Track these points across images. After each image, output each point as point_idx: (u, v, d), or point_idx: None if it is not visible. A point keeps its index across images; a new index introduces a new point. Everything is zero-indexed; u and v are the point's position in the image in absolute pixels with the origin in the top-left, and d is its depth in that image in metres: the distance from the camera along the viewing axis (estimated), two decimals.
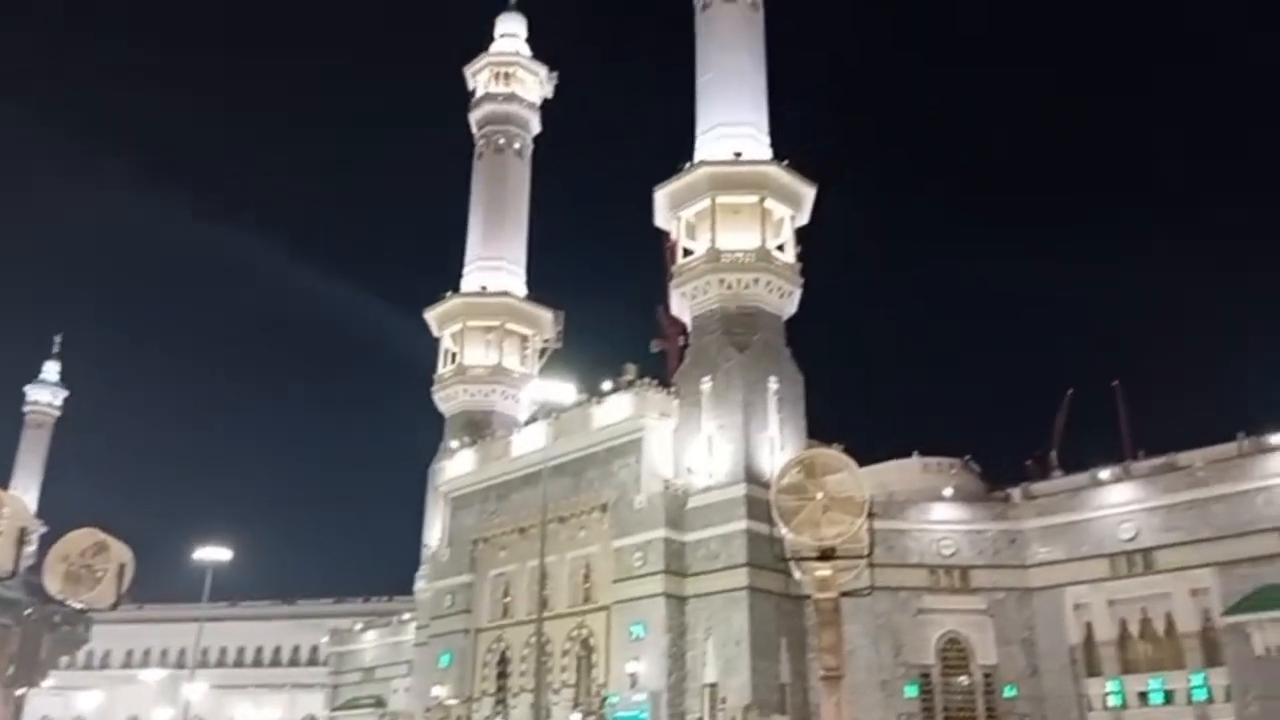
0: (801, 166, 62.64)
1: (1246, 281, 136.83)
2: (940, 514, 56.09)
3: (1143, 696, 49.97)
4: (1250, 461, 49.24)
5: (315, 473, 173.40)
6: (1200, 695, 48.15)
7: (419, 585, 73.48)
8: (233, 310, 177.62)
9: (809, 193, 62.90)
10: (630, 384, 59.52)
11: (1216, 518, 48.82)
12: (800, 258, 62.27)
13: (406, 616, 79.23)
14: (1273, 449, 49.33)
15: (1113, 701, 50.55)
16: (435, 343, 79.50)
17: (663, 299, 66.18)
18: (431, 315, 78.97)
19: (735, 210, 61.02)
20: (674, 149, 65.85)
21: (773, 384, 57.79)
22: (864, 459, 12.49)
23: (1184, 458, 52.59)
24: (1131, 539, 51.22)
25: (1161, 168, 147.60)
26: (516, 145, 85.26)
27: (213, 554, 60.28)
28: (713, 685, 50.71)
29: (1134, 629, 51.15)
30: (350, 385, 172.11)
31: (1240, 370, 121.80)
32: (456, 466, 69.04)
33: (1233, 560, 47.76)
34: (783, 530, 12.12)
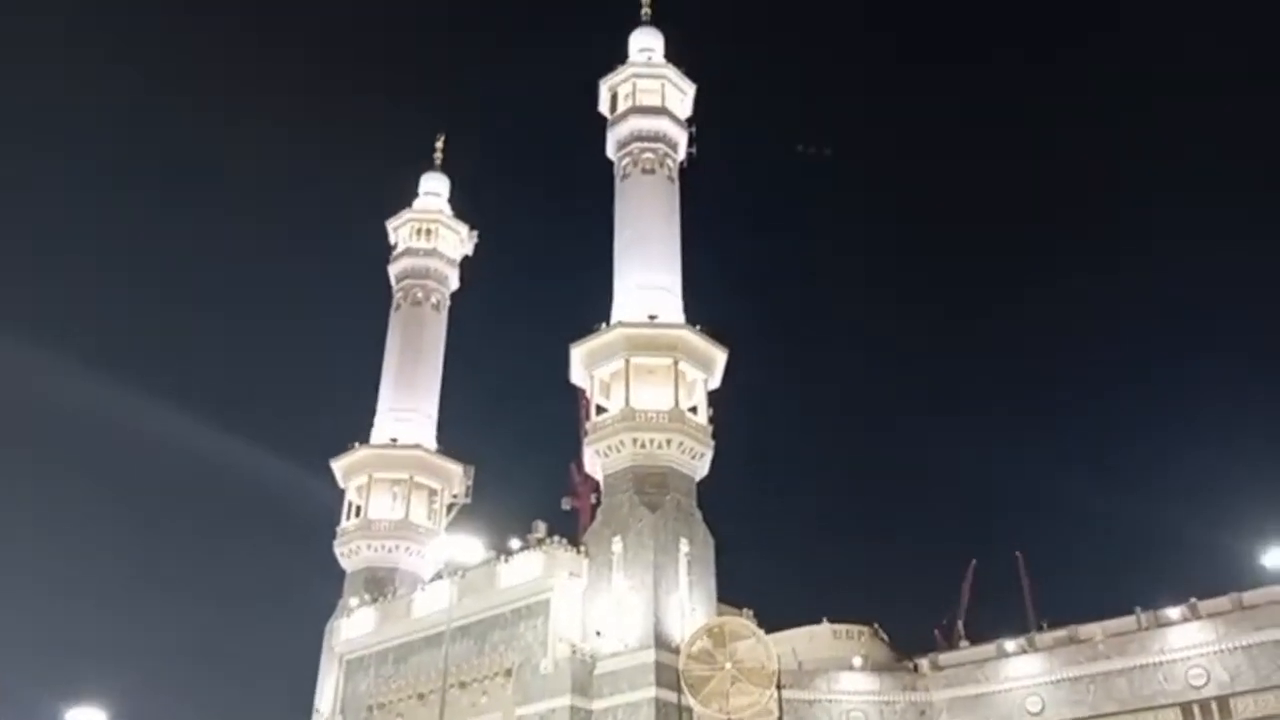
0: (713, 331, 64.45)
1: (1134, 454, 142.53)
2: (850, 684, 55.50)
3: None
4: (1149, 636, 50.24)
5: (200, 629, 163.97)
6: None
7: None
8: (114, 460, 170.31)
9: (721, 357, 64.39)
10: (540, 542, 58.59)
11: (1119, 691, 49.43)
12: (712, 420, 63.16)
13: None
14: (1170, 623, 50.46)
15: None
16: (339, 495, 77.57)
17: (575, 456, 66.23)
18: (338, 466, 77.22)
19: (650, 371, 61.98)
20: (591, 308, 67.33)
21: (684, 546, 57.45)
22: (773, 625, 12.45)
23: (1085, 630, 53.39)
24: (1039, 712, 51.34)
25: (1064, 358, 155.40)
26: (434, 299, 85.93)
27: (86, 717, 56.33)
28: None
29: None
30: (246, 540, 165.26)
31: (1140, 539, 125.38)
32: (355, 626, 66.27)
33: None
34: (691, 701, 11.86)
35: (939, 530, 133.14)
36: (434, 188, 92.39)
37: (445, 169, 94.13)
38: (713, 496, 62.29)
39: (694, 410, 62.92)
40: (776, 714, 11.46)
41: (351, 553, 74.29)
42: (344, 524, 75.99)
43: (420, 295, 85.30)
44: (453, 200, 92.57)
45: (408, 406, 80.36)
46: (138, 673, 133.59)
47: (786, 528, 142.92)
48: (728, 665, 11.44)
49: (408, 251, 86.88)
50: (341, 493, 77.44)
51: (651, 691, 50.87)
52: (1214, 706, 46.80)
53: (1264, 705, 45.41)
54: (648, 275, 67.13)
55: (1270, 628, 46.68)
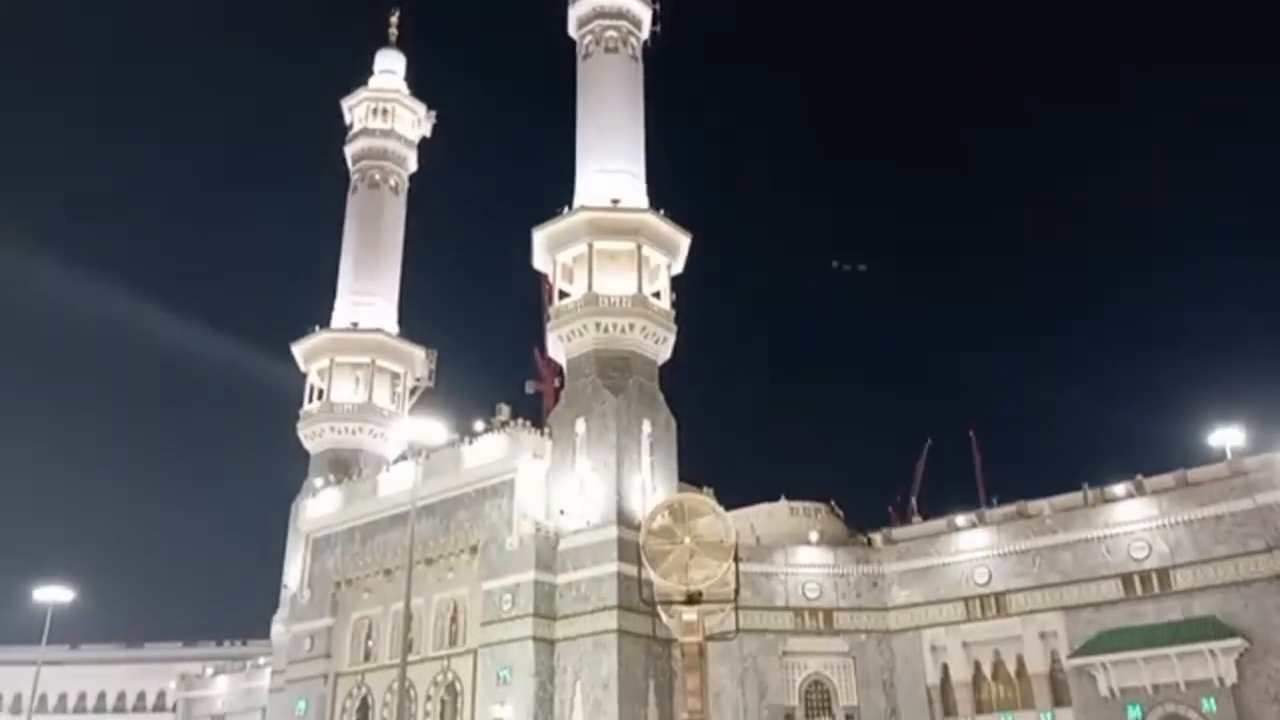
0: (677, 216, 64.04)
1: (1103, 333, 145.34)
2: (806, 557, 57.30)
3: None
4: (1095, 511, 51.98)
5: (169, 510, 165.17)
6: None
7: (276, 629, 70.76)
8: (82, 344, 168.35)
9: (684, 241, 64.18)
10: (503, 424, 59.11)
11: (1063, 563, 51.34)
12: (675, 305, 63.32)
13: (262, 661, 76.19)
14: (1115, 499, 52.22)
15: None
16: (303, 379, 77.43)
17: (538, 341, 66.35)
18: (299, 350, 76.90)
19: (612, 256, 61.70)
20: (553, 191, 66.55)
21: (646, 428, 58.29)
22: (732, 503, 12.79)
23: (1033, 506, 55.10)
24: (985, 583, 53.34)
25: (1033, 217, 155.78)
26: (392, 181, 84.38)
27: (53, 594, 57.03)
28: None
29: (987, 670, 53.12)
30: (212, 421, 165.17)
31: (1089, 416, 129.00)
32: (320, 506, 67.03)
33: (1078, 605, 50.26)
34: (651, 574, 12.25)
35: (896, 411, 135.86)
36: (389, 65, 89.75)
37: (401, 46, 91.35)
38: (674, 380, 63.06)
39: (657, 295, 62.99)
40: (734, 586, 12.03)
41: (315, 435, 74.63)
42: (307, 407, 76.10)
43: (378, 177, 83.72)
44: (410, 79, 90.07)
45: (368, 290, 79.76)
46: (106, 553, 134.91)
47: (746, 410, 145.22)
48: (687, 540, 11.96)
49: (364, 132, 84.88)
50: (304, 376, 77.32)
51: (614, 566, 52.40)
52: (1154, 578, 48.85)
53: (1201, 577, 47.44)
54: (611, 159, 66.17)
55: (1212, 504, 48.43)
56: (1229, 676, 45.21)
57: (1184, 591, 47.89)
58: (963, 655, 53.23)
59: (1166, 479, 51.86)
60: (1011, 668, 52.40)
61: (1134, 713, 46.82)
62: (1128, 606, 49.01)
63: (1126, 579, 49.50)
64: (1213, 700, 45.20)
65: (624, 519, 53.38)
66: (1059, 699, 50.34)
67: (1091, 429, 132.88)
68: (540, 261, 65.51)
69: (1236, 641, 45.28)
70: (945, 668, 53.67)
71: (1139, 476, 52.53)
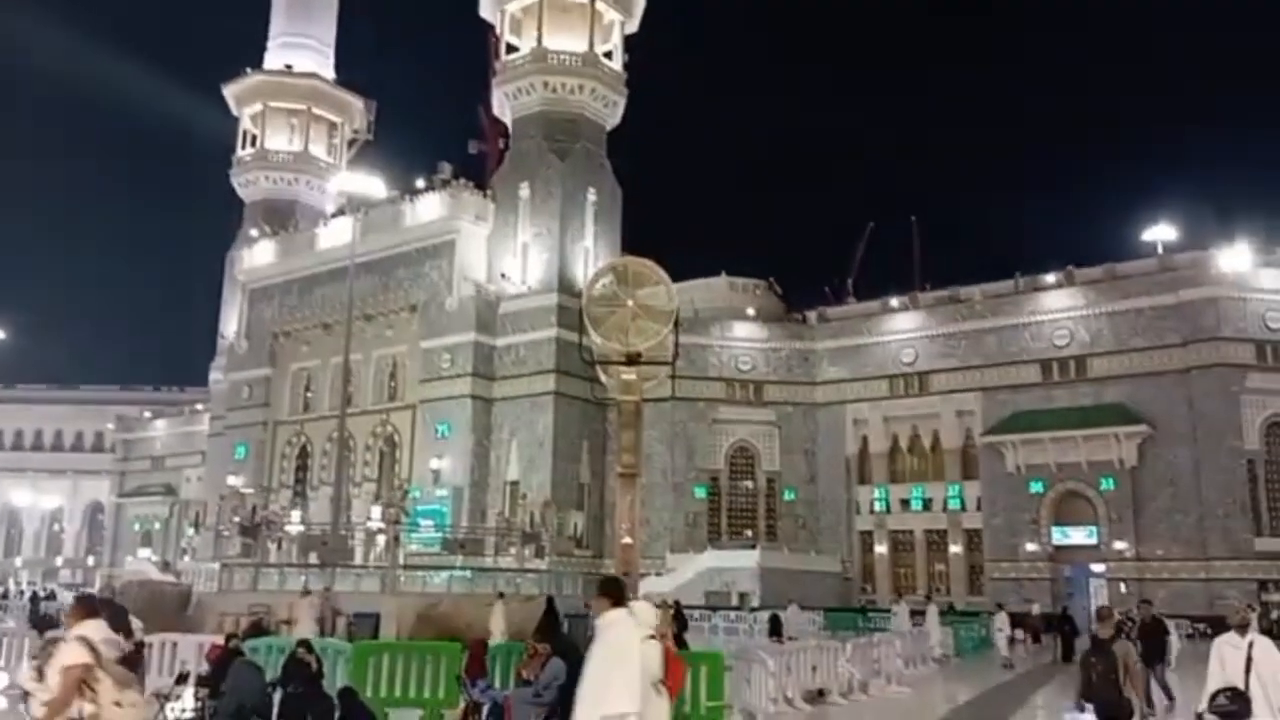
0: None
1: (1042, 129, 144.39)
2: (741, 332, 58.51)
3: (904, 503, 55.28)
4: (1024, 298, 53.40)
5: (104, 256, 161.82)
6: (955, 504, 53.67)
7: (214, 376, 71.26)
8: (12, 89, 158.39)
9: None
10: (445, 183, 57.86)
11: (987, 348, 53.16)
12: (627, 68, 61.08)
13: (200, 407, 77.12)
14: (1045, 288, 53.56)
15: (878, 506, 55.68)
16: (235, 125, 74.36)
17: (483, 98, 63.77)
18: (230, 92, 73.41)
19: (564, 9, 58.68)
20: None
21: (591, 195, 57.53)
22: (674, 275, 12.75)
23: (965, 291, 56.39)
24: (911, 363, 55.22)
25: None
26: None
27: None
28: (514, 483, 52.40)
29: (904, 444, 55.92)
30: (148, 167, 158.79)
31: (1029, 211, 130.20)
32: (256, 257, 66.02)
33: (996, 386, 52.49)
34: (592, 336, 12.29)
35: (841, 195, 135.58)
36: None
37: None
38: (622, 147, 61.70)
39: (609, 56, 60.58)
40: (673, 351, 12.19)
41: (249, 183, 72.56)
42: (240, 153, 73.58)
43: None
44: None
45: (301, 33, 75.47)
46: (38, 297, 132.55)
47: (694, 183, 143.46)
48: (630, 303, 12.02)
49: None
50: (236, 121, 74.25)
51: (553, 331, 53.04)
52: (1071, 364, 50.94)
53: (1116, 366, 49.58)
54: None
55: (1136, 297, 49.94)
56: (1129, 460, 48.14)
57: (1098, 379, 50.10)
58: (882, 429, 55.78)
59: (1096, 271, 53.20)
60: (927, 443, 55.19)
61: (1036, 487, 49.95)
62: (1043, 390, 51.30)
63: (1045, 364, 51.51)
64: (1111, 480, 48.30)
65: (565, 286, 53.54)
66: (968, 473, 53.46)
67: (1031, 224, 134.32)
68: (487, 10, 62.15)
69: (1141, 428, 47.94)
70: (865, 440, 56.33)
71: (1070, 267, 53.74)
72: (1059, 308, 51.87)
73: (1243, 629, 7.88)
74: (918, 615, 30.55)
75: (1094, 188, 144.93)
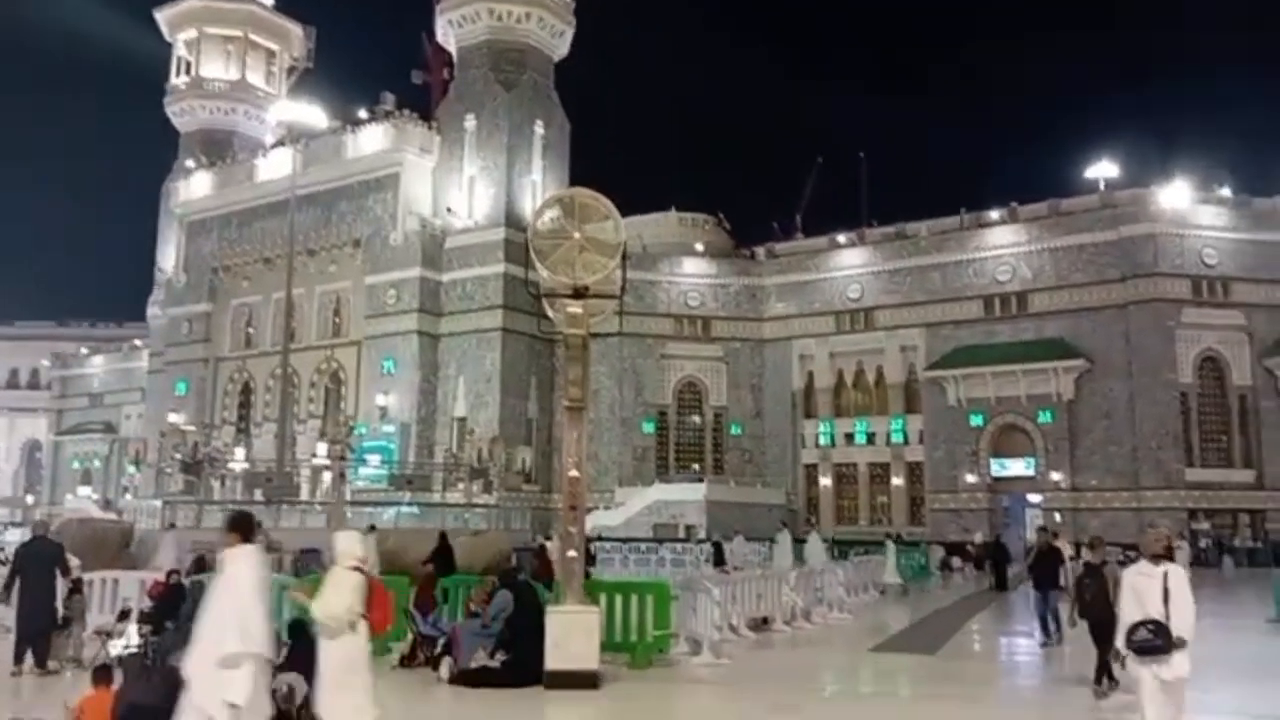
0: None
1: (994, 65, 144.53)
2: (690, 268, 58.48)
3: (849, 436, 56.14)
4: (969, 235, 53.91)
5: (36, 189, 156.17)
6: (898, 438, 54.63)
7: (152, 311, 69.73)
8: None
9: None
10: (388, 114, 56.60)
11: (932, 284, 53.75)
12: None
13: (139, 343, 75.57)
14: (989, 224, 54.09)
15: (823, 440, 56.48)
16: (169, 51, 71.78)
17: (427, 26, 62.10)
18: (162, 16, 70.71)
19: None
20: None
21: (539, 128, 56.67)
22: (622, 210, 12.56)
23: (912, 228, 56.77)
24: (857, 299, 55.68)
25: None
26: None
27: None
28: (462, 419, 52.19)
29: (849, 378, 56.60)
30: (73, 95, 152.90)
31: (974, 148, 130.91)
32: (193, 189, 64.25)
33: (939, 322, 53.20)
34: (539, 269, 12.16)
35: (789, 131, 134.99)
36: None
37: None
38: (570, 80, 60.71)
39: None
40: (620, 285, 12.09)
41: (185, 112, 70.36)
42: (174, 81, 71.19)
43: None
44: None
45: None
46: None
47: (642, 118, 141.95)
48: (576, 235, 11.87)
49: None
50: (169, 48, 71.71)
51: (500, 267, 52.56)
52: (1013, 300, 51.71)
53: (1056, 301, 50.39)
54: None
55: (1078, 233, 50.62)
56: (1067, 393, 49.23)
57: (1038, 314, 50.97)
58: (828, 364, 56.38)
59: (1040, 207, 53.82)
60: (871, 377, 55.92)
61: (976, 420, 50.96)
62: (985, 326, 52.11)
63: (988, 300, 52.26)
64: (1049, 413, 49.41)
65: (512, 220, 52.90)
66: (911, 407, 54.36)
67: (975, 161, 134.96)
68: None
69: (1079, 362, 48.97)
70: (810, 375, 56.92)
71: (1014, 204, 54.28)
72: (1002, 244, 52.48)
73: (1156, 559, 7.43)
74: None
75: (1041, 126, 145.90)
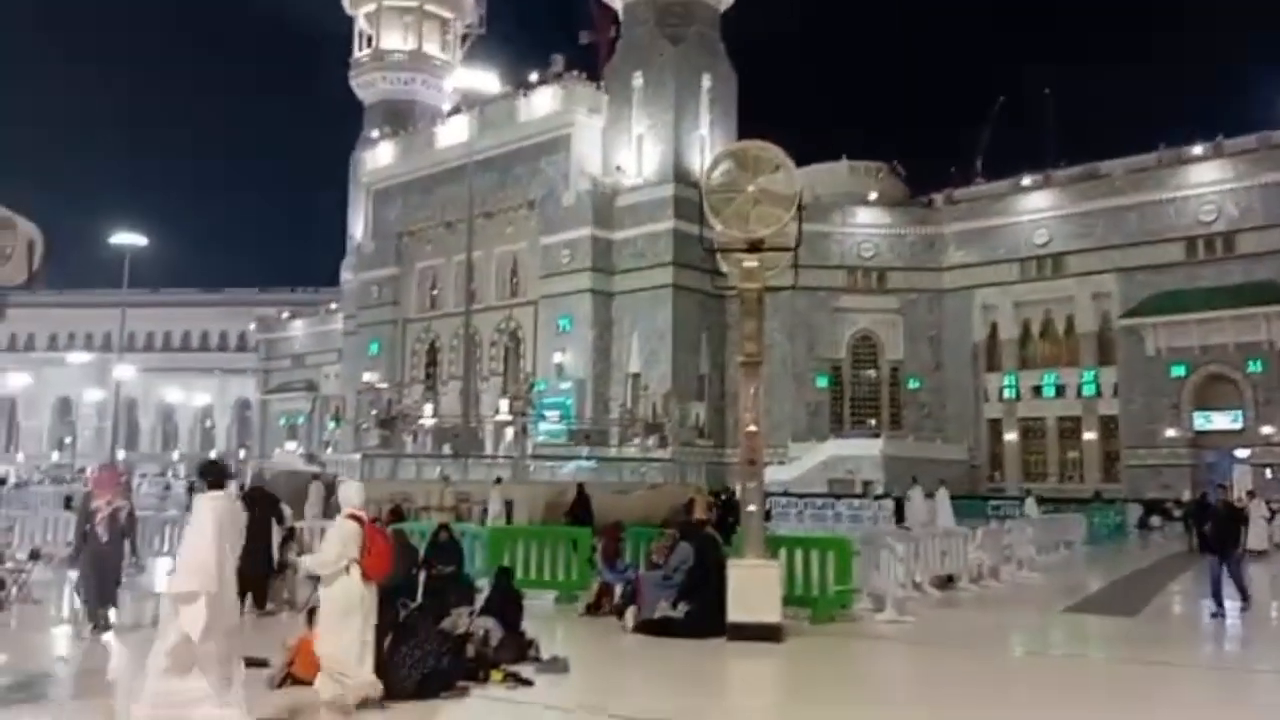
0: None
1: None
2: (863, 218, 57.03)
3: (1036, 390, 53.74)
4: (1167, 172, 50.35)
5: (233, 162, 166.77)
6: (1090, 390, 51.92)
7: (345, 276, 73.57)
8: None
9: None
10: (558, 76, 57.39)
11: (1127, 226, 50.50)
12: None
13: (334, 306, 79.92)
14: (1190, 160, 50.34)
15: (1007, 394, 54.31)
16: (350, 25, 74.95)
17: None
18: None
19: None
20: None
21: (706, 81, 56.23)
22: (793, 161, 12.30)
23: (1105, 167, 53.49)
24: (1044, 244, 52.99)
25: None
26: None
27: (128, 240, 58.98)
28: (636, 375, 52.94)
29: (1035, 329, 54.11)
30: (268, 70, 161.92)
31: (1171, 82, 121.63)
32: (378, 158, 67.21)
33: (1136, 267, 49.98)
34: (712, 224, 12.07)
35: (968, 72, 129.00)
36: None
37: None
38: (736, 30, 59.77)
39: None
40: (796, 239, 11.85)
41: (367, 84, 73.42)
42: (357, 54, 74.30)
43: None
44: None
45: None
46: (174, 204, 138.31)
47: (809, 65, 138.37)
48: (750, 189, 11.73)
49: None
50: (351, 22, 74.81)
51: (670, 223, 52.70)
52: (1218, 241, 48.07)
53: (1267, 241, 46.46)
54: None
55: None
56: (1279, 340, 45.58)
57: (1247, 256, 47.24)
58: (1012, 314, 54.04)
59: (1249, 140, 49.73)
60: (1060, 327, 53.27)
61: (1178, 371, 47.87)
62: (1186, 270, 48.66)
63: (1190, 242, 48.78)
64: (1260, 362, 45.90)
65: (681, 176, 52.88)
66: (1104, 358, 51.50)
67: (1174, 96, 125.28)
68: None
69: None
70: (994, 326, 54.72)
71: (1220, 138, 50.29)
72: (1206, 181, 48.80)
73: None
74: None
75: (1249, 58, 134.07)
